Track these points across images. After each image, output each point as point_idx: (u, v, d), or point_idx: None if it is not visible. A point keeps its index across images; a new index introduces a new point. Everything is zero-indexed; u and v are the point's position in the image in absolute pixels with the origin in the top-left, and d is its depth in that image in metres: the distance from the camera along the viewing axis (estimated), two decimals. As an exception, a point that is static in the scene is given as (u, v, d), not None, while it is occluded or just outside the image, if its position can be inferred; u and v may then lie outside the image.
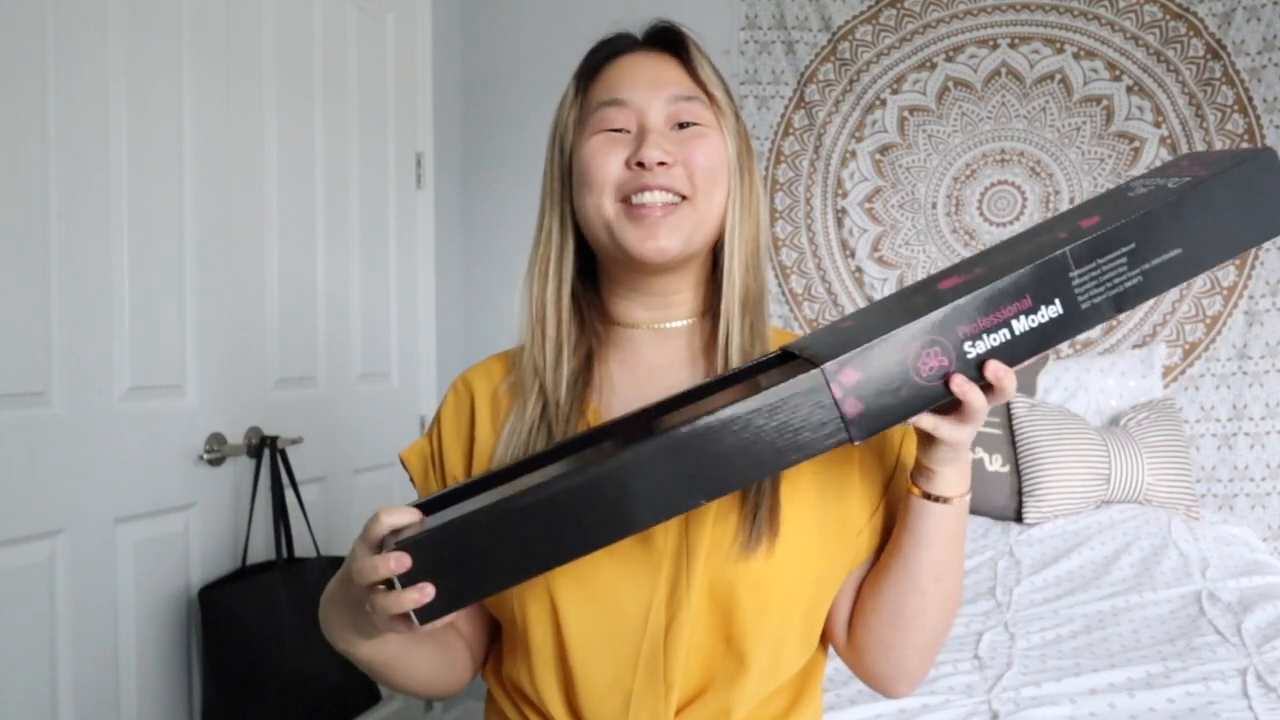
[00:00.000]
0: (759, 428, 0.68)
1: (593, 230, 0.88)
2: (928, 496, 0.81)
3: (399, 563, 0.69)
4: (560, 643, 0.85)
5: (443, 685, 0.93)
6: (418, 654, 0.89)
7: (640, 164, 0.84)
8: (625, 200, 0.86)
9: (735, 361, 0.88)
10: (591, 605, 0.84)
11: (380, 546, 0.73)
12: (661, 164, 0.85)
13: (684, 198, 0.86)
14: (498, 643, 0.96)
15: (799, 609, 0.86)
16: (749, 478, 0.70)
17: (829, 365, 0.68)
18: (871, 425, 0.69)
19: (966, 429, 0.74)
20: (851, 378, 0.68)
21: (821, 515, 0.85)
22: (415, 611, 0.70)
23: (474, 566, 0.70)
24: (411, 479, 0.98)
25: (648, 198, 0.85)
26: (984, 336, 0.69)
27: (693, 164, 0.86)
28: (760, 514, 0.82)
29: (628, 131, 0.87)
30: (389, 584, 0.71)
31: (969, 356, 0.69)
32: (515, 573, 0.70)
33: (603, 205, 0.86)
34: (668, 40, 0.91)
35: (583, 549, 0.70)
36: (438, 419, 0.97)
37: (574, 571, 0.84)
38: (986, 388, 0.71)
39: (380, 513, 0.74)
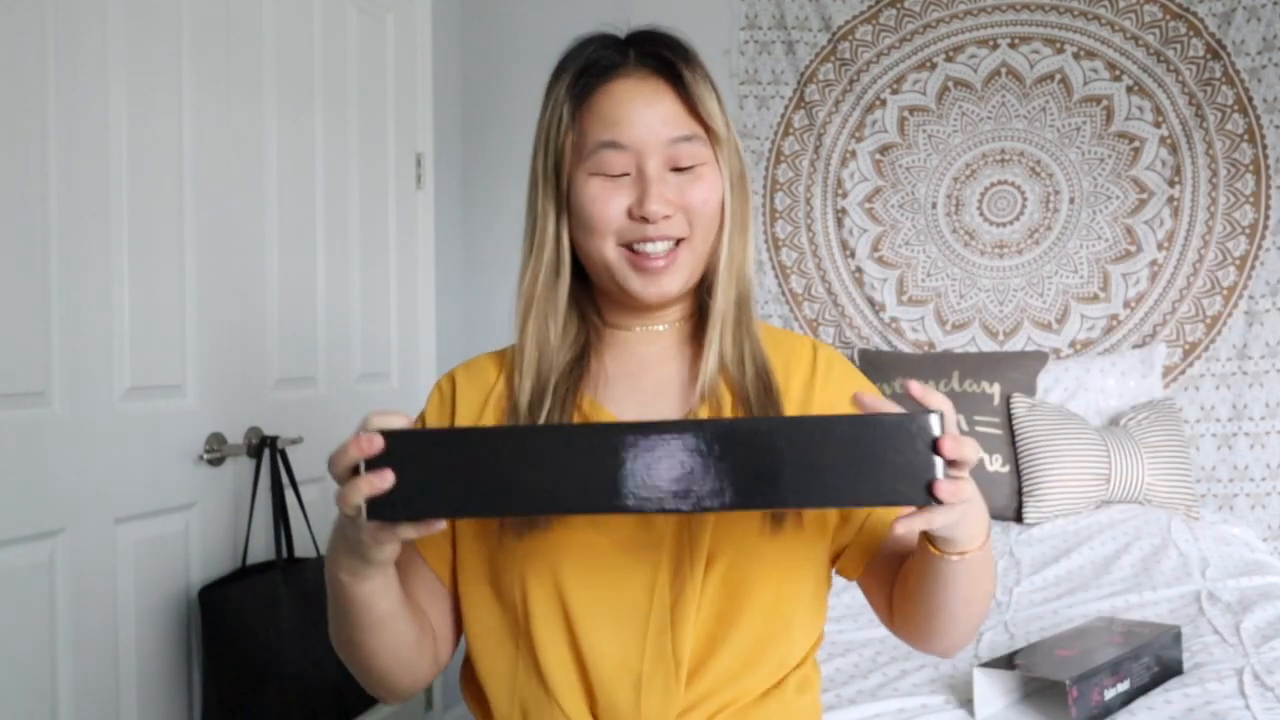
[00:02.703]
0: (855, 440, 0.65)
1: (592, 265, 0.89)
2: (946, 554, 0.77)
3: (370, 443, 0.66)
4: (569, 626, 0.84)
5: (411, 674, 0.90)
6: (400, 625, 0.85)
7: (643, 217, 0.84)
8: (626, 245, 0.86)
9: (727, 353, 0.89)
10: (595, 586, 0.84)
11: None
12: (665, 216, 0.85)
13: (682, 239, 0.87)
14: (473, 680, 0.92)
15: (809, 584, 0.89)
16: (800, 498, 0.66)
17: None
18: None
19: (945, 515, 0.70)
20: None
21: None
22: (368, 503, 0.67)
23: (446, 480, 0.66)
24: None
25: (650, 247, 0.85)
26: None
27: (692, 209, 0.86)
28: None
29: (626, 175, 0.85)
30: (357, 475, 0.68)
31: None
32: (484, 502, 0.67)
33: (604, 249, 0.86)
34: (664, 65, 0.87)
35: (570, 505, 0.67)
36: (422, 420, 0.96)
37: (575, 551, 0.84)
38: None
39: (372, 413, 0.71)
